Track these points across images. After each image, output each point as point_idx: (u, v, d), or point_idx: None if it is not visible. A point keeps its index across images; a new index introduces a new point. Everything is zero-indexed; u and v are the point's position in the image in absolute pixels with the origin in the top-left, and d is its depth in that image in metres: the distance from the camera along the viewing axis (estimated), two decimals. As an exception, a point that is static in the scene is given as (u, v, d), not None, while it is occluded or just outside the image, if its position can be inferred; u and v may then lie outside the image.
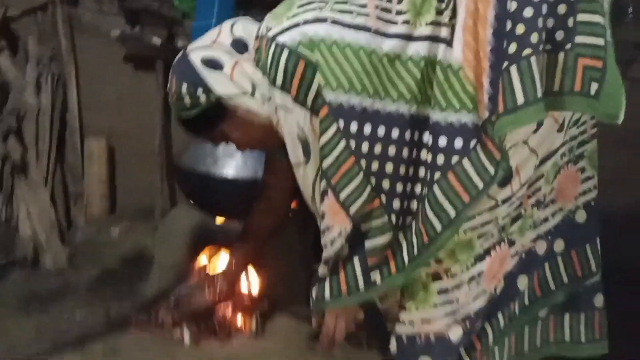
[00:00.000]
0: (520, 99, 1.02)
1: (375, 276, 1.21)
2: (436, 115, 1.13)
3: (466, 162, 1.10)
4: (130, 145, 3.35)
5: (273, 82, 1.19)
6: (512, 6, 1.06)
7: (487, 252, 1.19)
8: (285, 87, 1.18)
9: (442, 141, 1.12)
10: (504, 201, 1.15)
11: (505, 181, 1.13)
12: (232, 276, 1.75)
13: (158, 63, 3.19)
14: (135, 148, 3.34)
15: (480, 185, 1.08)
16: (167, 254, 2.27)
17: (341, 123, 1.14)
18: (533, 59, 1.02)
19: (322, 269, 1.28)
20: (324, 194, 1.19)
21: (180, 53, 1.32)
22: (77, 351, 1.85)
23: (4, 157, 2.72)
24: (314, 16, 1.16)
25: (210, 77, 1.25)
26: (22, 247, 2.60)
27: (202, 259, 2.31)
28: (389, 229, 1.20)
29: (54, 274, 2.55)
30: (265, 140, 1.36)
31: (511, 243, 1.22)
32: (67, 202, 3.15)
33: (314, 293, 1.31)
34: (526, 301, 1.30)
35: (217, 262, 2.31)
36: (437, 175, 1.13)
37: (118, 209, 3.39)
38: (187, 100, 1.27)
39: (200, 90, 1.25)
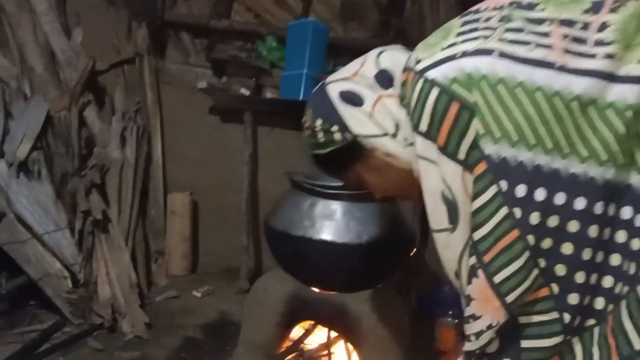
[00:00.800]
0: None
1: None
2: None
3: None
4: (215, 201, 3.20)
5: (416, 126, 0.94)
6: None
7: None
8: (430, 134, 0.92)
9: None
10: None
11: None
12: None
13: (246, 114, 3.04)
14: (220, 204, 3.18)
15: None
16: (255, 329, 2.01)
17: (503, 184, 0.87)
18: None
19: None
20: (472, 273, 0.92)
21: (319, 84, 1.16)
22: None
23: (86, 213, 2.58)
24: (475, 47, 0.89)
25: (348, 114, 1.07)
26: (100, 311, 2.41)
27: (296, 336, 2.04)
28: (559, 330, 0.91)
29: (132, 342, 2.34)
30: (405, 188, 1.12)
31: None
32: (147, 260, 2.98)
33: None
34: None
35: (312, 340, 2.04)
36: None
37: (200, 269, 3.21)
38: (320, 136, 1.11)
39: (335, 127, 1.08)
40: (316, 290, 2.00)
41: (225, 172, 3.14)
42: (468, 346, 0.98)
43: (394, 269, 2.06)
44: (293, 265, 2.03)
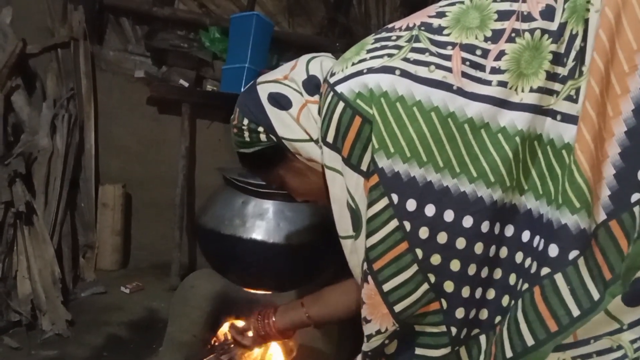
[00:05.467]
0: None
1: None
2: (530, 203, 0.89)
3: (559, 278, 0.83)
4: (149, 194, 3.11)
5: (324, 137, 0.97)
6: None
7: None
8: (336, 146, 0.95)
9: (535, 240, 0.87)
10: (634, 325, 0.83)
11: (636, 299, 0.81)
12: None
13: (184, 106, 2.96)
14: (155, 198, 3.10)
15: (576, 312, 0.82)
16: (181, 328, 1.95)
17: (394, 197, 0.89)
18: None
19: None
20: (364, 278, 0.95)
21: (250, 83, 1.16)
22: None
23: (8, 204, 2.45)
24: (380, 64, 0.92)
25: (275, 116, 1.07)
26: (18, 307, 2.29)
27: (223, 335, 2.00)
28: (446, 342, 0.95)
29: (52, 340, 2.24)
30: (325, 193, 1.10)
31: None
32: (75, 253, 2.86)
33: None
34: None
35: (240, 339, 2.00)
36: (524, 285, 0.88)
37: (131, 264, 3.12)
38: (246, 135, 1.10)
39: (262, 128, 1.08)
40: (245, 289, 1.97)
41: (160, 165, 3.06)
42: (364, 346, 1.01)
43: (324, 269, 2.05)
44: (222, 264, 1.99)
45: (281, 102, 1.06)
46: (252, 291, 1.97)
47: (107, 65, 3.15)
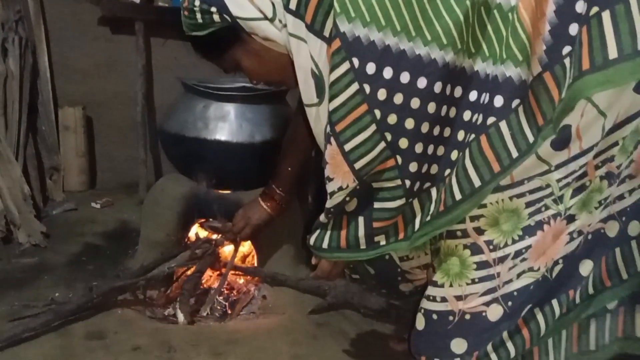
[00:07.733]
0: (613, 52, 0.84)
1: (380, 238, 1.11)
2: (477, 65, 0.98)
3: (503, 125, 0.95)
4: (109, 115, 3.13)
5: (287, 4, 1.02)
6: None
7: (538, 225, 1.01)
8: (299, 12, 1.01)
9: (482, 97, 0.98)
10: (560, 166, 0.97)
11: (562, 144, 0.95)
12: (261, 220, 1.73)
13: (137, 24, 2.94)
14: (116, 118, 3.13)
15: (515, 154, 0.94)
16: (154, 227, 2.07)
17: (355, 61, 0.96)
18: (634, 2, 0.84)
19: (323, 217, 1.15)
20: (327, 139, 1.03)
21: None
22: (57, 334, 1.66)
23: (-31, 127, 2.47)
24: None
25: None
26: (-8, 223, 2.36)
27: (195, 233, 2.13)
28: (401, 194, 1.06)
29: (29, 250, 2.32)
30: (281, 74, 1.17)
31: (570, 219, 1.02)
32: (41, 176, 2.90)
33: (311, 239, 1.19)
34: (590, 289, 1.11)
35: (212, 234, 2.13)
36: (471, 137, 0.99)
37: (98, 184, 3.19)
38: (199, 17, 1.10)
39: (214, 9, 1.08)
40: (213, 189, 2.07)
41: (118, 85, 3.06)
42: (327, 204, 1.10)
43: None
44: (189, 166, 2.08)
45: None
46: (220, 191, 2.08)
47: (54, -14, 3.07)
